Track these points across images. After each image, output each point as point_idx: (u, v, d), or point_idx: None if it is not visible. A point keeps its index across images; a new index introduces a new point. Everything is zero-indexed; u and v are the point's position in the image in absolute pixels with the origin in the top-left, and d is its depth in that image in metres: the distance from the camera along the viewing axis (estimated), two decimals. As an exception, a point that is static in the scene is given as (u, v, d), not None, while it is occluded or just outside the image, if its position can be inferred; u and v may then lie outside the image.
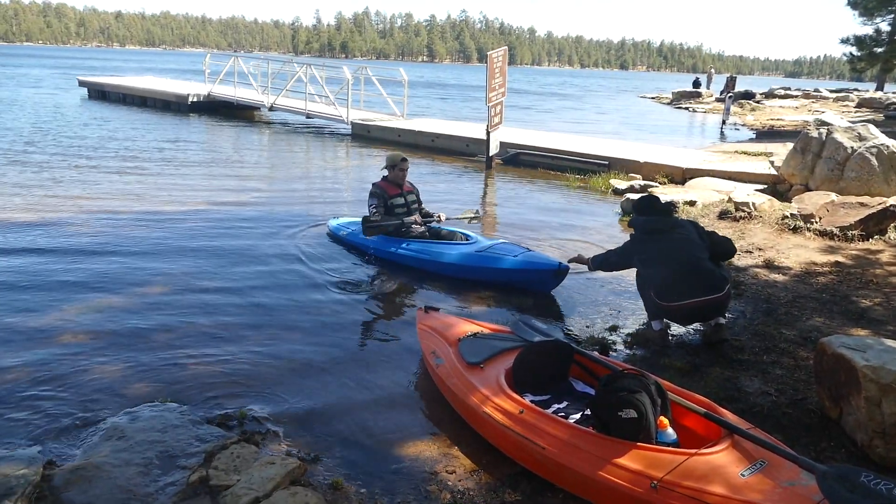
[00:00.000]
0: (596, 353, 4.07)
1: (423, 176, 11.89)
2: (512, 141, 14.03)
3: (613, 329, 5.18)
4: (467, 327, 4.39)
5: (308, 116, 19.43)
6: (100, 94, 25.27)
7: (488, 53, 12.60)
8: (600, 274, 6.57)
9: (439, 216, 7.11)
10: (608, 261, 5.34)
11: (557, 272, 5.91)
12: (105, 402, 3.87)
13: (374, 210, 6.80)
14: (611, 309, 5.68)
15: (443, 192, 10.49)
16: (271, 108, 20.44)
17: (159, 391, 4.02)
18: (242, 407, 3.86)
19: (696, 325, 5.20)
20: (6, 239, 7.01)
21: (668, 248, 4.84)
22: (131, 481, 3.13)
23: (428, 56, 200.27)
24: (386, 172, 7.02)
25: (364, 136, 17.24)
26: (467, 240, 6.66)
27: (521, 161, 13.61)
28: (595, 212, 9.56)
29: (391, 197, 6.87)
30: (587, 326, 5.26)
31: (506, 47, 13.52)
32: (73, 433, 3.56)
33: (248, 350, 4.65)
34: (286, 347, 4.73)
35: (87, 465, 3.22)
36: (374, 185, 6.98)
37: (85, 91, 26.09)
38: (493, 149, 12.94)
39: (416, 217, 6.87)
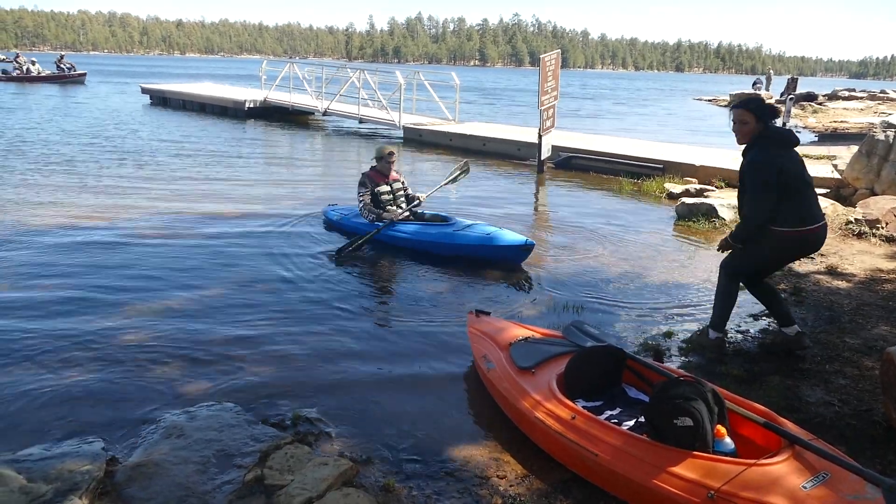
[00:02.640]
0: (650, 360, 4.01)
1: (475, 180, 11.89)
2: (564, 144, 13.93)
3: (668, 335, 5.09)
4: (518, 331, 4.37)
5: (361, 121, 19.66)
6: (161, 100, 26.06)
7: (541, 57, 12.55)
8: (652, 278, 6.48)
9: (419, 197, 7.75)
10: (759, 210, 4.32)
11: (524, 247, 6.70)
12: (164, 401, 3.98)
13: (361, 197, 7.58)
14: (665, 315, 5.58)
15: (494, 196, 10.48)
16: (325, 113, 20.75)
17: (216, 391, 4.11)
18: (296, 408, 3.92)
19: (758, 333, 5.08)
20: (69, 241, 7.28)
21: (798, 164, 4.40)
22: (189, 479, 3.21)
23: (480, 60, 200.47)
24: (375, 163, 7.75)
25: (416, 140, 17.35)
26: (447, 221, 7.37)
27: (574, 165, 13.51)
28: (649, 216, 9.41)
29: (377, 185, 7.60)
30: (640, 332, 5.18)
31: (558, 50, 13.43)
32: (134, 431, 3.66)
33: (301, 352, 4.72)
34: (338, 350, 4.77)
35: (147, 463, 3.31)
36: (363, 174, 7.74)
37: (147, 98, 26.94)
38: (545, 152, 12.87)
39: (395, 210, 7.55)
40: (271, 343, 4.84)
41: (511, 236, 6.88)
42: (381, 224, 7.39)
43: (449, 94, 19.41)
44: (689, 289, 6.20)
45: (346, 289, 6.19)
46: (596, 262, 7.03)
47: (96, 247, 7.10)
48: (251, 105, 22.29)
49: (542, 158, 12.83)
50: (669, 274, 6.69)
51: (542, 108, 12.41)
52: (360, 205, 7.58)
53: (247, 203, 9.46)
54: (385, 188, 7.63)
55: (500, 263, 6.78)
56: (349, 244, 7.17)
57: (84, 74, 38.37)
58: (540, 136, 12.65)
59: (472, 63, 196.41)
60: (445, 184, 8.35)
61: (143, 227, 7.94)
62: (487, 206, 9.50)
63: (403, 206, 7.68)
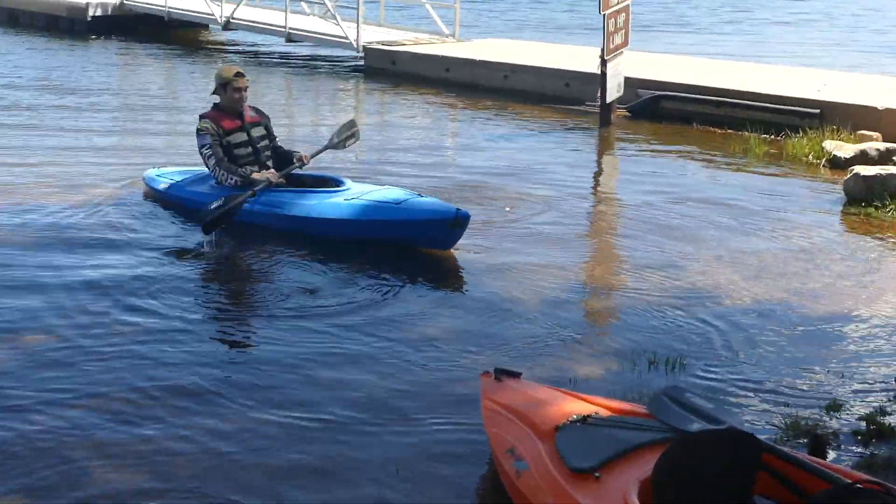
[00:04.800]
0: (801, 453, 3.97)
1: (489, 140, 11.90)
2: (646, 77, 14.01)
3: (834, 408, 5.04)
4: (570, 405, 4.33)
5: (289, 39, 19.67)
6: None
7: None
8: (806, 308, 6.47)
9: (302, 157, 8.30)
10: None
11: (454, 222, 7.17)
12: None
13: (209, 153, 7.87)
14: (828, 372, 5.53)
15: (525, 168, 10.43)
16: (226, 27, 20.81)
17: None
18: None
19: None
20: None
21: None
22: None
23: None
24: (217, 98, 8.18)
25: (386, 70, 17.42)
26: (338, 186, 7.98)
27: (664, 111, 13.55)
28: (797, 199, 9.41)
29: (227, 133, 7.95)
30: (785, 404, 5.14)
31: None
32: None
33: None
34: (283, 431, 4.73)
35: None
36: (200, 117, 8.17)
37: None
38: (614, 90, 12.86)
39: (269, 174, 7.89)
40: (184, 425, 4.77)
41: (434, 205, 7.50)
42: (250, 188, 7.63)
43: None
44: (872, 324, 6.20)
45: (286, 318, 6.16)
46: (706, 281, 7.03)
47: None
48: (97, 12, 22.36)
49: (610, 101, 12.83)
50: (836, 299, 6.71)
51: (607, 11, 12.40)
52: (211, 162, 7.82)
53: (101, 174, 9.45)
54: (239, 136, 8.01)
55: (421, 247, 7.43)
56: (217, 209, 7.43)
57: None
58: (604, 62, 12.65)
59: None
60: (327, 148, 8.75)
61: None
62: (514, 182, 9.49)
63: (270, 164, 8.00)
